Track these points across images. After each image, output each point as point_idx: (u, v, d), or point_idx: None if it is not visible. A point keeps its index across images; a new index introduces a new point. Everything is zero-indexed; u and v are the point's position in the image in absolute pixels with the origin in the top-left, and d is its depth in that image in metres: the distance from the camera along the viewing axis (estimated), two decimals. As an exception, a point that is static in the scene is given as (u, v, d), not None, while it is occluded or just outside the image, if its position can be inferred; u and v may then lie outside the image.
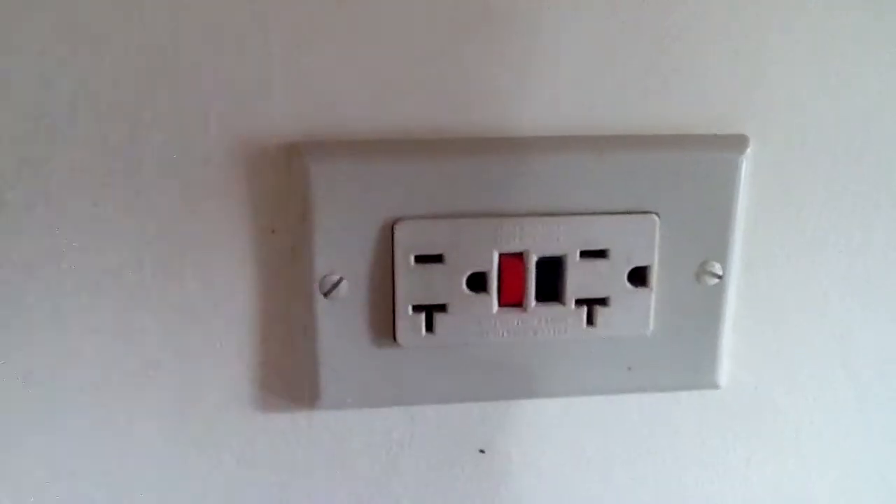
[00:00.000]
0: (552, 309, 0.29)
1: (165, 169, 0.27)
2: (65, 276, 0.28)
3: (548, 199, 0.28)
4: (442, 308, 0.28)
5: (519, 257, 0.28)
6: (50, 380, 0.29)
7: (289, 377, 0.30)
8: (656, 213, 0.28)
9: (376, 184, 0.27)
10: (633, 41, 0.27)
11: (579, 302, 0.29)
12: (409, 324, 0.28)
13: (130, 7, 0.25)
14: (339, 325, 0.28)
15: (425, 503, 0.33)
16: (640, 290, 0.29)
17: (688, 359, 0.31)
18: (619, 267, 0.28)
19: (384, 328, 0.29)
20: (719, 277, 0.29)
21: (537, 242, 0.28)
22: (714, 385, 0.31)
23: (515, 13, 0.27)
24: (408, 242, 0.27)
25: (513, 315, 0.29)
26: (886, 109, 0.29)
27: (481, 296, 0.28)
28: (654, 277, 0.29)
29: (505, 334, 0.29)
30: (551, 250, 0.28)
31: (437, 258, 0.28)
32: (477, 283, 0.28)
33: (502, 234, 0.28)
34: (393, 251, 0.27)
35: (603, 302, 0.29)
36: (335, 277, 0.28)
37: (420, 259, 0.28)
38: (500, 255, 0.28)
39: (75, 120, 0.26)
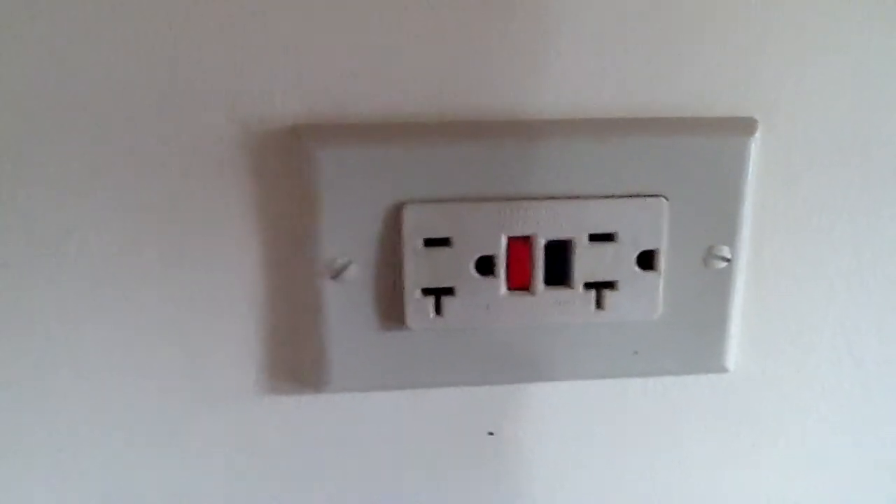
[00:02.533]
0: (560, 293, 0.29)
1: (171, 155, 0.27)
2: (69, 262, 0.28)
3: (556, 182, 0.28)
4: (450, 291, 0.28)
5: (527, 241, 0.28)
6: (53, 368, 0.29)
7: (297, 361, 0.30)
8: (665, 197, 0.28)
9: (384, 167, 0.27)
10: (641, 24, 0.27)
11: (587, 286, 0.29)
12: (418, 307, 0.28)
13: (130, 2, 0.25)
14: (348, 308, 0.28)
15: (434, 486, 0.33)
16: (649, 274, 0.29)
17: (696, 343, 0.31)
18: (627, 251, 0.28)
19: (392, 311, 0.29)
20: (727, 261, 0.29)
21: (545, 226, 0.28)
22: (722, 369, 0.31)
23: (524, -5, 0.26)
24: (416, 226, 0.27)
25: (521, 299, 0.29)
26: (895, 94, 0.29)
27: (489, 279, 0.28)
28: (662, 261, 0.29)
29: (513, 318, 0.29)
30: (559, 234, 0.28)
31: (446, 241, 0.28)
32: (485, 266, 0.28)
33: (510, 217, 0.28)
34: (401, 234, 0.27)
35: (611, 286, 0.29)
36: (343, 261, 0.28)
37: (428, 242, 0.28)
38: (509, 239, 0.28)
39: (81, 106, 0.26)
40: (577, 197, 0.28)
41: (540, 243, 0.28)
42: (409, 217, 0.27)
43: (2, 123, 0.26)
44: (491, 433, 0.32)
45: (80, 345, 0.29)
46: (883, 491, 0.35)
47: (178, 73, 0.26)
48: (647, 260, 0.29)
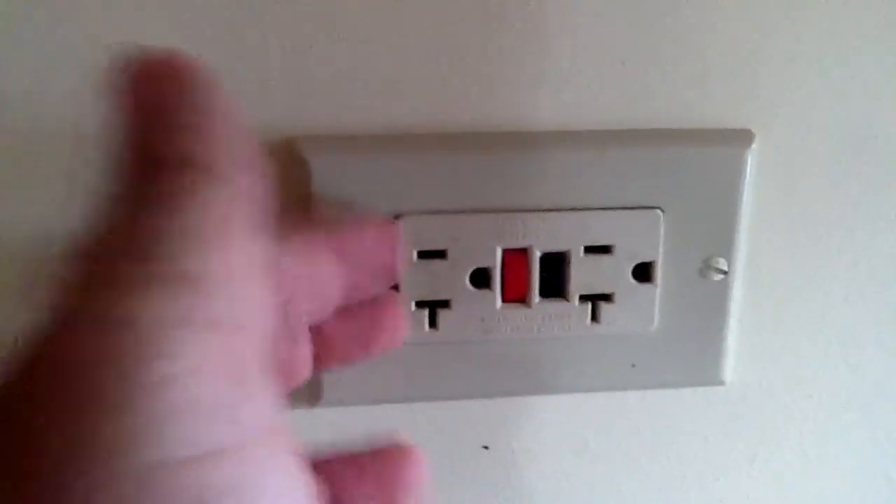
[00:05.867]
0: (556, 305, 0.29)
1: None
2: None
3: (551, 194, 0.28)
4: (445, 304, 0.28)
5: (522, 253, 0.28)
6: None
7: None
8: (661, 209, 0.28)
9: (378, 179, 0.27)
10: (637, 36, 0.27)
11: (583, 298, 0.29)
12: (412, 319, 0.28)
13: (130, 4, 0.25)
14: (342, 321, 0.28)
15: (428, 500, 0.33)
16: (645, 286, 0.29)
17: (692, 355, 0.30)
18: (623, 263, 0.28)
19: (387, 324, 0.28)
20: (724, 273, 0.29)
21: (541, 238, 0.28)
22: (719, 382, 0.31)
23: (518, 8, 0.26)
24: (411, 237, 0.27)
25: (516, 311, 0.28)
26: (892, 105, 0.29)
27: (484, 292, 0.28)
28: (658, 273, 0.29)
29: (508, 330, 0.29)
30: (555, 246, 0.28)
31: (440, 253, 0.27)
32: (480, 278, 0.28)
33: (506, 229, 0.27)
34: (396, 247, 0.27)
35: (607, 298, 0.29)
36: (337, 273, 0.28)
37: (423, 254, 0.27)
38: (504, 251, 0.28)
39: (71, 117, 0.26)
40: (573, 209, 0.28)
41: (535, 255, 0.28)
42: (405, 229, 0.27)
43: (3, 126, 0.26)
44: (486, 447, 0.32)
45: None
46: (881, 500, 0.35)
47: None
48: (643, 272, 0.29)
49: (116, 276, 0.14)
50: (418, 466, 0.21)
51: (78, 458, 0.13)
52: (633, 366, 0.30)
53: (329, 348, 0.23)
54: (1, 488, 0.13)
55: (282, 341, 0.21)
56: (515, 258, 0.28)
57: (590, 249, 0.28)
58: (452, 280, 0.28)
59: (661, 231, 0.28)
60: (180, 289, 0.15)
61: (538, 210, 0.28)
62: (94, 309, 0.14)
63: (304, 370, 0.23)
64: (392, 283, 0.25)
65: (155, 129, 0.16)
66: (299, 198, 0.27)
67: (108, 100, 0.17)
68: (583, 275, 0.28)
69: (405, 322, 0.25)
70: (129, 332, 0.14)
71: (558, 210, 0.28)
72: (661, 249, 0.28)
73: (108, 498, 0.13)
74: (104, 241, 0.15)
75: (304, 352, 0.22)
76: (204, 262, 0.15)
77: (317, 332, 0.23)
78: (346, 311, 0.23)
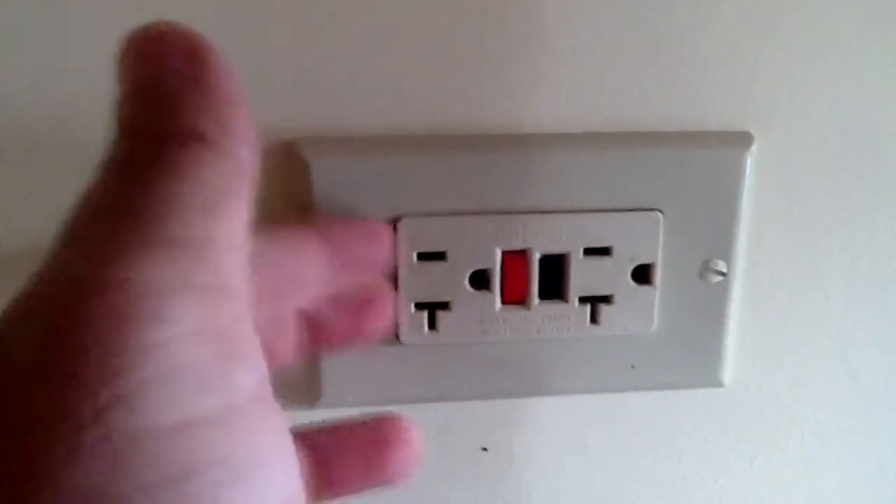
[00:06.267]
0: (555, 307, 0.29)
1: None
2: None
3: (551, 196, 0.28)
4: (444, 306, 0.28)
5: (522, 255, 0.28)
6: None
7: (290, 376, 0.30)
8: (660, 211, 0.28)
9: (378, 180, 0.27)
10: (636, 37, 0.27)
11: (582, 300, 0.29)
12: (412, 321, 0.28)
13: (128, 5, 0.25)
14: (341, 322, 0.28)
15: (426, 502, 0.33)
16: (644, 288, 0.29)
17: (692, 357, 0.30)
18: (622, 265, 0.28)
19: (386, 326, 0.28)
20: (723, 275, 0.29)
21: (540, 240, 0.28)
22: (718, 383, 0.31)
23: (517, 9, 0.26)
24: (410, 239, 0.27)
25: (516, 313, 0.28)
26: (890, 105, 0.29)
27: (484, 293, 0.28)
28: (657, 275, 0.29)
29: (508, 332, 0.29)
30: (554, 248, 0.28)
31: (440, 255, 0.28)
32: (480, 280, 0.28)
33: (505, 231, 0.27)
34: (396, 248, 0.27)
35: (606, 300, 0.29)
36: (337, 275, 0.28)
37: (422, 256, 0.27)
38: (503, 253, 0.28)
39: (72, 121, 0.26)
40: (573, 211, 0.28)
41: (535, 257, 0.28)
42: (404, 231, 0.27)
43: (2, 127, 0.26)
44: (485, 449, 0.32)
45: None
46: (881, 501, 0.35)
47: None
48: (642, 274, 0.29)
49: (113, 238, 0.14)
50: (407, 438, 0.21)
51: (63, 423, 0.13)
52: (633, 367, 0.30)
53: (317, 333, 0.23)
54: None
55: (269, 326, 0.21)
56: (515, 260, 0.28)
57: (589, 251, 0.28)
58: (452, 282, 0.28)
59: (661, 233, 0.28)
60: (179, 253, 0.14)
61: (538, 212, 0.28)
62: (90, 271, 0.14)
63: (289, 354, 0.23)
64: (380, 276, 0.25)
65: (159, 101, 0.16)
66: (299, 199, 0.27)
67: (116, 73, 0.17)
68: (582, 276, 0.28)
69: (394, 310, 0.25)
70: (126, 293, 0.14)
71: (558, 212, 0.28)
72: (660, 251, 0.28)
73: (93, 464, 0.13)
74: (101, 205, 0.15)
75: (290, 337, 0.22)
76: (204, 229, 0.15)
77: (306, 317, 0.23)
78: (337, 298, 0.23)
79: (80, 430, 0.13)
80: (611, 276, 0.28)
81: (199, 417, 0.14)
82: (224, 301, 0.15)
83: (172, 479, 0.13)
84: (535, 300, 0.28)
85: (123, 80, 0.16)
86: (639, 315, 0.29)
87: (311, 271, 0.22)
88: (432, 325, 0.28)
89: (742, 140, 0.28)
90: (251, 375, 0.16)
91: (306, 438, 0.20)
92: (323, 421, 0.21)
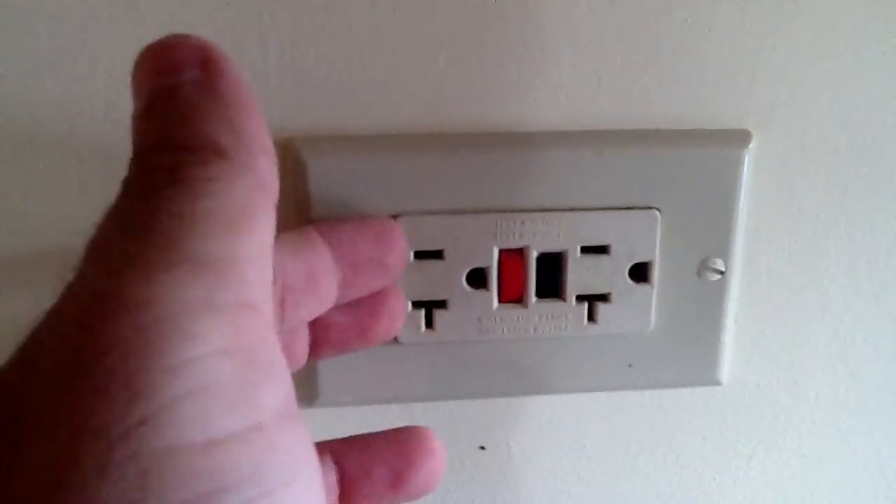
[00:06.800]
0: (553, 305, 0.28)
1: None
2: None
3: (548, 194, 0.28)
4: (442, 304, 0.28)
5: (519, 253, 0.28)
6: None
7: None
8: (658, 209, 0.28)
9: (375, 179, 0.27)
10: (634, 36, 0.27)
11: (580, 298, 0.29)
12: (409, 320, 0.28)
13: (127, 5, 0.25)
14: (338, 321, 0.28)
15: (425, 501, 0.33)
16: (642, 287, 0.29)
17: (689, 356, 0.30)
18: (620, 263, 0.28)
19: (383, 325, 0.28)
20: (721, 273, 0.29)
21: (538, 238, 0.28)
22: (716, 382, 0.31)
23: (515, 8, 0.26)
24: (408, 238, 0.27)
25: (513, 311, 0.28)
26: (889, 105, 0.29)
27: (481, 292, 0.28)
28: (655, 274, 0.29)
29: (505, 331, 0.28)
30: (552, 246, 0.28)
31: (437, 254, 0.27)
32: (477, 279, 0.28)
33: (502, 229, 0.27)
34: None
35: (604, 298, 0.29)
36: (334, 273, 0.28)
37: (419, 255, 0.27)
38: (501, 251, 0.28)
39: (72, 120, 0.26)
40: (570, 209, 0.28)
41: (532, 255, 0.28)
42: (402, 229, 0.27)
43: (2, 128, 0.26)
44: (483, 447, 0.32)
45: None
46: (880, 500, 0.35)
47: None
48: (640, 272, 0.29)
49: (139, 257, 0.14)
50: (432, 449, 0.21)
51: (92, 442, 0.13)
52: (630, 366, 0.30)
53: (325, 336, 0.23)
54: (13, 468, 0.13)
55: (282, 336, 0.20)
56: (512, 258, 0.28)
57: (587, 250, 0.28)
58: (449, 280, 0.28)
59: (658, 231, 0.28)
60: (204, 271, 0.14)
61: (535, 210, 0.28)
62: (117, 291, 0.14)
63: (300, 360, 0.23)
64: (391, 280, 0.25)
65: (177, 114, 0.16)
66: (297, 198, 0.27)
67: (132, 87, 0.16)
68: (579, 275, 0.28)
69: (403, 312, 0.25)
70: (153, 313, 0.14)
71: (555, 210, 0.28)
72: (658, 250, 0.28)
73: (122, 482, 0.13)
74: (125, 223, 0.15)
75: (301, 343, 0.22)
76: (228, 246, 0.15)
77: (315, 321, 0.23)
78: (347, 302, 0.23)
79: (108, 449, 0.13)
80: (608, 274, 0.28)
81: (227, 436, 0.14)
82: (249, 319, 0.15)
83: (201, 498, 0.14)
84: (533, 299, 0.28)
85: (139, 95, 0.16)
86: (636, 314, 0.29)
87: (319, 277, 0.22)
88: (430, 323, 0.28)
89: (740, 138, 0.28)
90: (277, 393, 0.16)
91: (333, 452, 0.20)
92: (350, 435, 0.21)
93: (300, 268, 0.22)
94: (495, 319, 0.28)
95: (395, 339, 0.28)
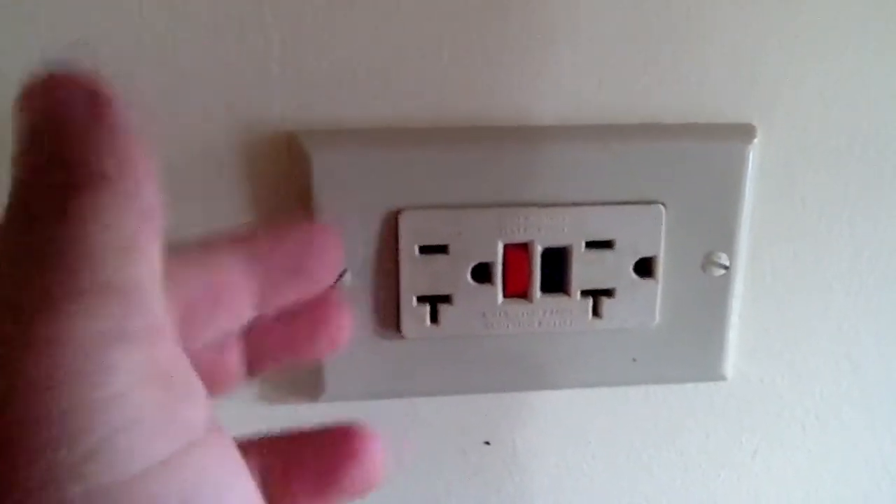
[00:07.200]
0: (557, 300, 0.28)
1: (169, 160, 0.27)
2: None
3: (553, 189, 0.28)
4: (447, 299, 0.28)
5: (524, 248, 0.28)
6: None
7: (292, 370, 0.30)
8: (662, 204, 0.28)
9: (380, 173, 0.27)
10: (639, 30, 0.27)
11: (585, 293, 0.29)
12: (414, 315, 0.28)
13: (128, 5, 0.25)
14: (343, 316, 0.28)
15: (429, 496, 0.33)
16: (646, 281, 0.29)
17: (694, 350, 0.30)
18: (624, 258, 0.28)
19: (388, 319, 0.28)
20: (726, 268, 0.29)
21: (542, 233, 0.28)
22: (720, 377, 0.31)
23: (520, 2, 0.26)
24: (413, 232, 0.27)
25: (518, 306, 0.28)
26: (893, 99, 0.29)
27: (486, 287, 0.28)
28: (660, 268, 0.29)
29: (510, 326, 0.28)
30: (556, 241, 0.28)
31: (442, 248, 0.27)
32: (482, 273, 0.28)
33: (507, 224, 0.27)
34: (397, 241, 0.27)
35: (608, 293, 0.29)
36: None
37: (424, 249, 0.27)
38: (506, 246, 0.28)
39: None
40: (575, 204, 0.28)
41: (537, 250, 0.28)
42: (406, 224, 0.27)
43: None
44: (487, 442, 0.32)
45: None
46: (883, 495, 0.35)
47: (178, 77, 0.26)
48: (644, 267, 0.29)
49: (40, 290, 0.14)
50: (365, 449, 0.21)
51: (42, 489, 0.13)
52: (635, 361, 0.30)
53: (262, 349, 0.23)
54: None
55: (205, 351, 0.20)
56: (517, 253, 0.28)
57: (591, 244, 0.28)
58: (454, 275, 0.28)
59: (663, 226, 0.28)
60: (107, 300, 0.14)
61: (540, 205, 0.28)
62: (20, 329, 0.14)
63: (232, 377, 0.22)
64: (320, 288, 0.24)
65: (62, 142, 0.16)
66: (300, 192, 0.27)
67: (16, 121, 0.16)
68: (584, 270, 0.28)
69: (347, 324, 0.24)
70: (66, 350, 0.14)
71: (560, 205, 0.28)
72: (662, 244, 0.28)
73: None
74: (17, 254, 0.15)
75: (233, 358, 0.22)
76: (126, 271, 0.15)
77: (249, 335, 0.22)
78: (284, 312, 0.22)
79: (41, 499, 0.13)
80: (613, 269, 0.28)
81: (163, 461, 0.14)
82: (160, 342, 0.15)
83: None
84: (538, 293, 0.28)
85: (22, 130, 0.16)
86: (641, 308, 0.29)
87: (239, 288, 0.21)
88: (434, 318, 0.28)
89: (745, 132, 0.28)
90: (198, 411, 0.16)
91: (261, 447, 0.20)
92: (279, 430, 0.21)
93: (203, 282, 0.21)
94: (500, 314, 0.28)
95: (400, 334, 0.28)
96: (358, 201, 0.27)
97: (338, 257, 0.24)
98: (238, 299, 0.21)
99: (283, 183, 0.27)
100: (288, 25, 0.26)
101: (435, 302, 0.28)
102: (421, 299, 0.28)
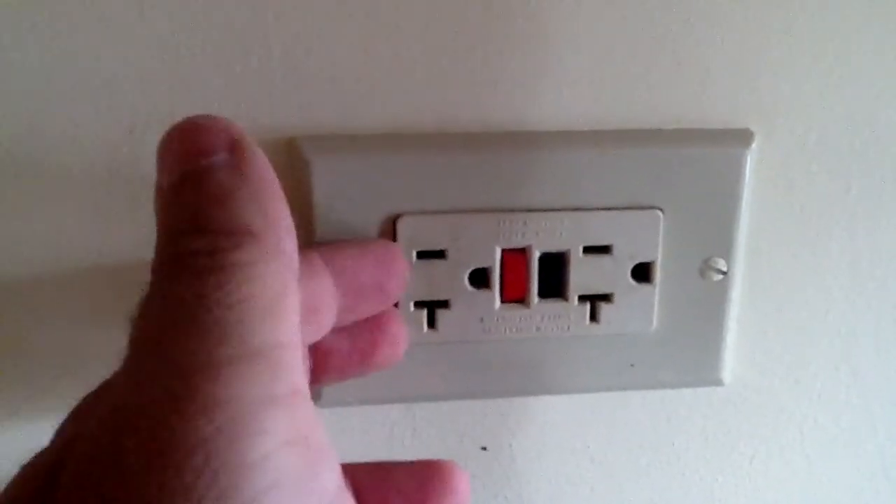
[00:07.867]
0: (555, 305, 0.28)
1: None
2: (64, 274, 0.27)
3: (551, 194, 0.28)
4: (444, 304, 0.28)
5: (522, 253, 0.28)
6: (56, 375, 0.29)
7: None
8: (660, 209, 0.28)
9: (378, 178, 0.27)
10: (637, 35, 0.27)
11: (582, 298, 0.29)
12: (411, 320, 0.28)
13: (129, 4, 0.25)
14: (341, 321, 0.28)
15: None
16: (644, 287, 0.29)
17: (692, 356, 0.30)
18: (622, 263, 0.28)
19: (386, 324, 0.28)
20: (724, 273, 0.29)
21: (540, 238, 0.28)
22: (718, 382, 0.31)
23: (519, 7, 0.26)
24: (410, 238, 0.27)
25: (515, 311, 0.28)
26: (892, 104, 0.29)
27: (483, 292, 0.28)
28: (657, 273, 0.29)
29: (507, 331, 0.28)
30: (554, 246, 0.28)
31: (440, 254, 0.27)
32: (479, 278, 0.28)
33: (505, 229, 0.27)
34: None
35: (606, 298, 0.29)
36: (336, 273, 0.28)
37: (422, 254, 0.27)
38: (503, 251, 0.28)
39: (74, 118, 0.26)
40: (573, 209, 0.28)
41: (535, 255, 0.28)
42: (404, 229, 0.27)
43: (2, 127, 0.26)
44: (484, 448, 0.32)
45: (70, 356, 0.28)
46: (882, 500, 0.35)
47: (179, 81, 0.26)
48: (642, 272, 0.29)
49: (202, 353, 0.14)
50: (454, 487, 0.21)
51: None
52: (633, 366, 0.30)
53: (325, 363, 0.23)
54: None
55: None
56: (515, 258, 0.28)
57: (589, 249, 0.28)
58: (451, 280, 0.28)
59: (661, 231, 0.28)
60: (258, 364, 0.15)
61: (538, 210, 0.28)
62: (193, 391, 0.14)
63: None
64: (391, 304, 0.24)
65: (211, 197, 0.16)
66: (299, 197, 0.27)
67: (158, 167, 0.16)
68: (582, 275, 0.28)
69: (405, 338, 0.25)
70: (227, 413, 0.14)
71: (558, 210, 0.28)
72: (660, 249, 0.28)
73: None
74: (177, 313, 0.15)
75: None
76: (272, 335, 0.15)
77: (314, 346, 0.22)
78: (346, 327, 0.23)
79: None
80: (611, 274, 0.28)
81: None
82: (301, 406, 0.16)
83: None
84: (535, 299, 0.28)
85: (166, 172, 0.16)
86: (639, 314, 0.29)
87: (321, 306, 0.22)
88: (432, 323, 0.28)
89: (743, 137, 0.28)
90: (333, 474, 0.16)
91: (352, 478, 0.20)
92: (372, 461, 0.21)
93: (303, 298, 0.21)
94: (497, 319, 0.28)
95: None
96: (357, 207, 0.27)
97: (407, 274, 0.24)
98: (327, 312, 0.22)
99: (282, 189, 0.27)
100: (288, 31, 0.26)
101: (432, 307, 0.28)
102: (418, 304, 0.28)
